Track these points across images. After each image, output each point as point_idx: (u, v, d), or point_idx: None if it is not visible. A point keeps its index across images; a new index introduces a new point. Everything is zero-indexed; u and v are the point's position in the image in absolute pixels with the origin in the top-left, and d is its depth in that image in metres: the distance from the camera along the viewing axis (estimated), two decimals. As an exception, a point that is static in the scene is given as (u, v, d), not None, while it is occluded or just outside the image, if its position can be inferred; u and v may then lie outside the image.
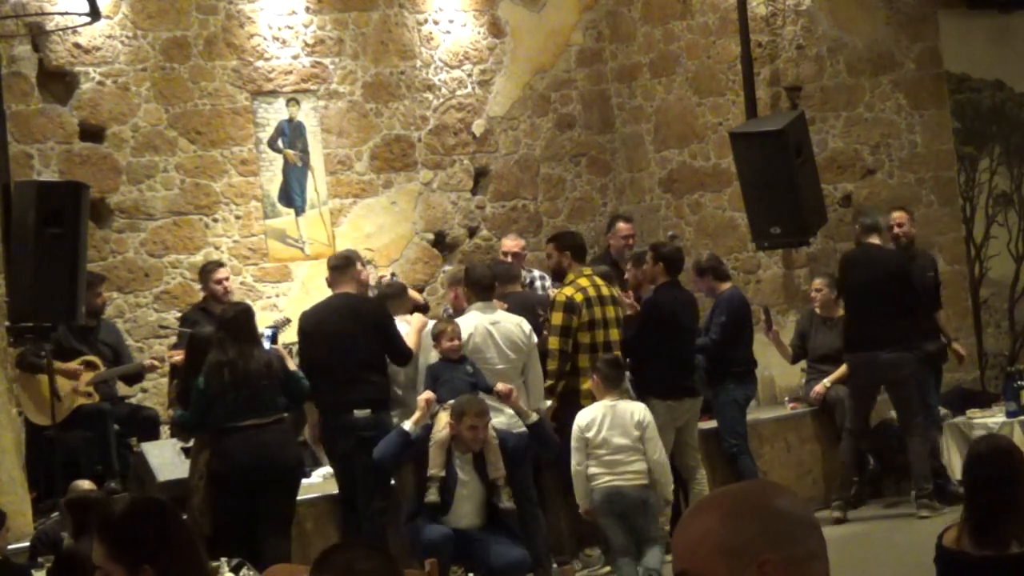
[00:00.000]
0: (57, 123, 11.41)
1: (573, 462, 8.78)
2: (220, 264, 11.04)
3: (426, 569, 5.97)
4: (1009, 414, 10.57)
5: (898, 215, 11.41)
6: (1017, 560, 4.64)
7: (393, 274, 11.74)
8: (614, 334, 9.78)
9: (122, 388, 10.92)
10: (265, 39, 12.15)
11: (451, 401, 8.67)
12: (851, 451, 10.99)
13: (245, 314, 9.16)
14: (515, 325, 9.46)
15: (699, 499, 2.58)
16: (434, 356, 9.38)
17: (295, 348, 9.69)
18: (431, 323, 9.69)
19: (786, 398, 12.00)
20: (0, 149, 10.18)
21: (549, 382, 9.58)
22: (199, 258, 11.78)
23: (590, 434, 8.72)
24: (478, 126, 13.10)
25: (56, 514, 8.68)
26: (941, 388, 11.67)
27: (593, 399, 9.48)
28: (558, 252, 10.01)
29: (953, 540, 4.80)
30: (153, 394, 11.22)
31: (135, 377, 10.86)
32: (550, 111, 13.50)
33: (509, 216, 13.24)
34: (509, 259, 11.31)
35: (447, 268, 12.51)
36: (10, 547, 8.29)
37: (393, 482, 9.36)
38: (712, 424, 10.81)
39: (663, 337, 10.00)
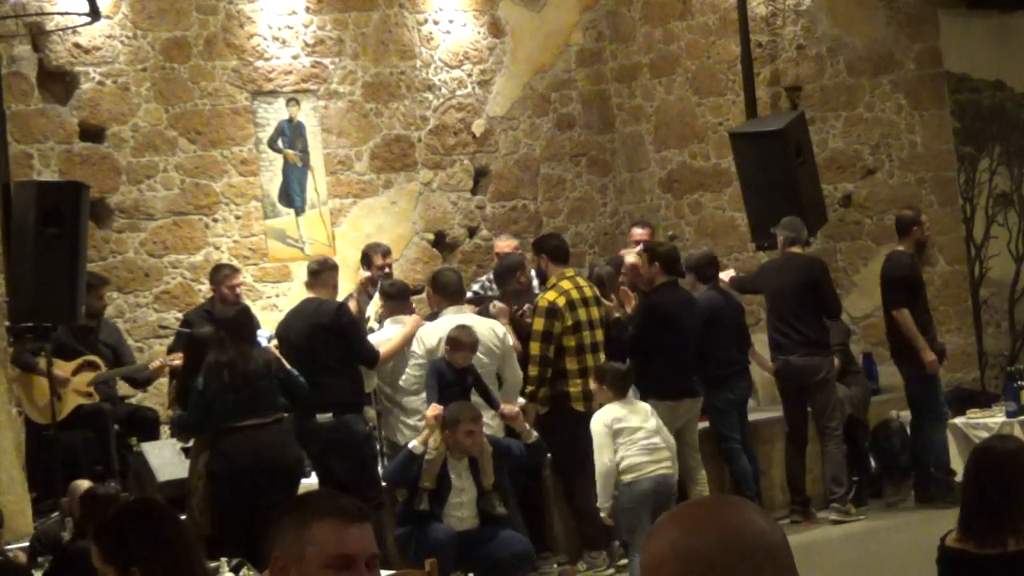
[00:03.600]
0: (57, 123, 11.41)
1: (603, 459, 8.57)
2: (236, 269, 11.01)
3: (426, 569, 5.97)
4: (1009, 414, 10.56)
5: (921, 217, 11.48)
6: (1018, 558, 4.66)
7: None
8: (599, 335, 9.78)
9: (122, 388, 10.91)
10: (265, 39, 12.15)
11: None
12: (792, 455, 10.97)
13: (244, 314, 9.17)
14: (487, 329, 9.49)
15: None
16: (413, 361, 9.46)
17: None
18: (426, 324, 9.70)
19: (786, 398, 11.98)
20: (0, 149, 10.18)
21: (530, 388, 9.58)
22: (199, 258, 11.78)
23: (620, 424, 8.62)
24: (478, 126, 13.10)
25: (56, 514, 8.68)
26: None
27: (584, 401, 9.44)
28: (536, 256, 10.04)
29: (955, 539, 4.82)
30: (153, 394, 11.21)
31: (143, 383, 10.85)
32: (550, 111, 13.50)
33: (509, 216, 13.24)
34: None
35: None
36: (10, 547, 8.30)
37: (385, 483, 9.39)
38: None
39: (662, 337, 10.00)
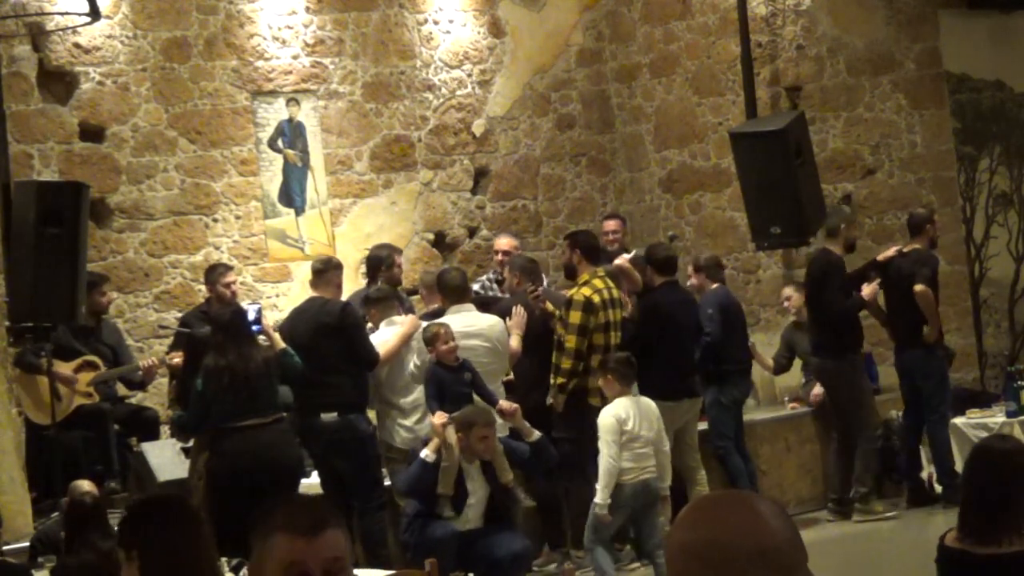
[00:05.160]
0: (57, 123, 11.41)
1: (609, 456, 8.63)
2: (229, 267, 11.00)
3: (426, 569, 5.97)
4: (1009, 414, 10.56)
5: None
6: (1017, 557, 4.68)
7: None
8: (619, 337, 9.80)
9: (122, 388, 10.92)
10: (265, 39, 12.15)
11: (455, 414, 8.66)
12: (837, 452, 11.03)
13: (239, 315, 9.15)
14: (489, 327, 9.49)
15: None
16: (414, 359, 9.47)
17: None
18: (424, 324, 9.70)
19: (786, 398, 12.01)
20: (0, 149, 10.18)
21: (561, 380, 9.57)
22: (199, 258, 11.79)
23: (629, 426, 8.68)
24: (478, 126, 13.10)
25: (56, 514, 8.68)
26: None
27: (602, 397, 9.46)
28: (570, 250, 10.02)
29: (954, 539, 4.84)
30: (153, 394, 11.22)
31: (138, 385, 10.85)
32: (550, 111, 13.50)
33: (509, 216, 13.24)
34: (500, 258, 11.35)
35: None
36: (10, 547, 8.30)
37: (388, 482, 9.38)
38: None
39: (663, 338, 10.02)
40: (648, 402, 8.98)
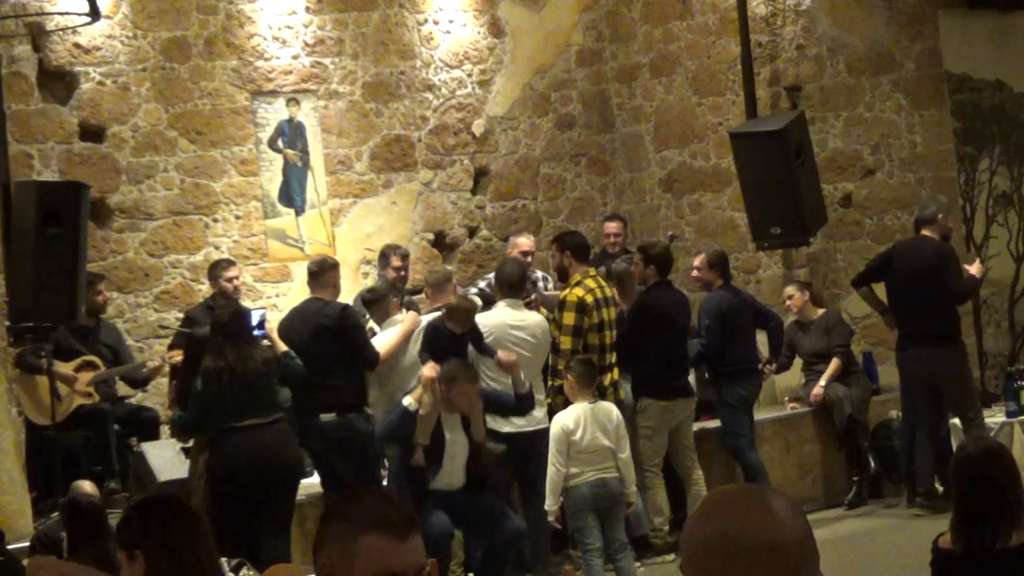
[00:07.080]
0: (57, 123, 11.41)
1: (552, 464, 8.66)
2: (231, 262, 11.02)
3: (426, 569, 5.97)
4: (1009, 414, 10.57)
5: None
6: (1005, 555, 4.72)
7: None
8: (614, 335, 9.81)
9: (122, 388, 10.92)
10: (265, 39, 12.15)
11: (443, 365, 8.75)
12: (923, 446, 10.92)
13: (239, 315, 9.16)
14: (535, 324, 9.57)
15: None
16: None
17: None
18: (425, 319, 9.73)
19: (786, 398, 12.01)
20: (0, 149, 10.18)
21: (559, 381, 9.58)
22: (199, 258, 11.79)
23: (576, 436, 8.68)
24: (478, 126, 13.10)
25: (56, 514, 8.68)
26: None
27: (565, 399, 9.48)
28: (559, 252, 10.01)
29: (947, 541, 4.91)
30: (153, 394, 11.22)
31: (141, 383, 10.85)
32: (550, 111, 13.50)
33: (509, 216, 13.24)
34: (529, 259, 11.33)
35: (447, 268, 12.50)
36: (10, 547, 8.30)
37: (386, 482, 9.41)
38: (710, 424, 10.83)
39: (655, 337, 10.00)
40: (607, 408, 8.87)
